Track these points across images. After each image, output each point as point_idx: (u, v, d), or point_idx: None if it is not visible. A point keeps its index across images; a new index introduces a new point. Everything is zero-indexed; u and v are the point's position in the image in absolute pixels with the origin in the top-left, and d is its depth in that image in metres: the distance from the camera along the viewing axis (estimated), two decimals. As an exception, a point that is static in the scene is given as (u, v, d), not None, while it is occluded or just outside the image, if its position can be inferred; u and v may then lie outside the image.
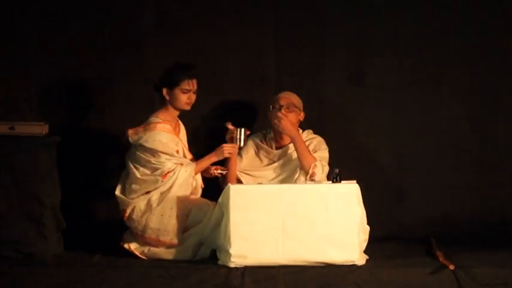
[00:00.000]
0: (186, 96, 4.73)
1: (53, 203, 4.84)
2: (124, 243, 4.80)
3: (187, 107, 4.78)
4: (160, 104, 4.85)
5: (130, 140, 4.74)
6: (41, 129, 4.85)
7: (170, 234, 4.65)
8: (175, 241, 4.65)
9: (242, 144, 4.72)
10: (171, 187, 4.68)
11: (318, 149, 4.91)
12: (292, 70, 5.48)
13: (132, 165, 4.73)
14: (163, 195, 4.66)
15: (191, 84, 4.75)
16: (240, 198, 4.39)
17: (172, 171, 4.66)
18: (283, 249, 4.38)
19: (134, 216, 4.69)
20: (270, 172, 4.94)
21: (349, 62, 5.49)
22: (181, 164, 4.72)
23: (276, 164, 4.97)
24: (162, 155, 4.68)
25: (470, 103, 5.44)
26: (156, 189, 4.67)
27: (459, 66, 5.43)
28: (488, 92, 5.43)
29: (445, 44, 5.43)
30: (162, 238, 4.64)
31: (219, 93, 5.43)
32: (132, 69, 5.42)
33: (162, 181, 4.66)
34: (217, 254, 4.54)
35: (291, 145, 4.92)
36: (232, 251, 4.35)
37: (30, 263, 4.53)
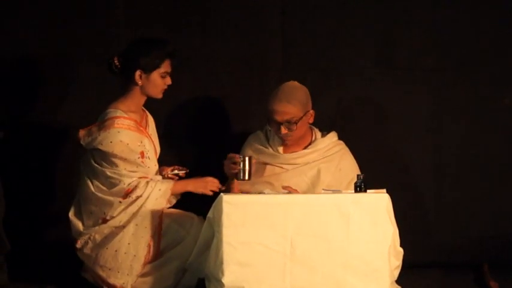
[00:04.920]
0: (164, 80, 4.54)
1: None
2: (85, 273, 4.57)
3: (161, 95, 4.59)
4: (122, 90, 4.60)
5: (83, 143, 4.48)
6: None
7: (124, 276, 4.41)
8: (128, 287, 4.42)
9: (247, 177, 4.48)
10: (136, 212, 4.42)
11: (350, 171, 4.61)
12: (301, 47, 5.21)
13: (86, 178, 4.51)
14: (121, 224, 4.44)
15: (170, 65, 4.59)
16: (236, 212, 4.12)
17: (133, 190, 4.40)
18: (291, 278, 4.11)
19: (86, 250, 4.50)
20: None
21: (375, 38, 5.25)
22: (146, 179, 4.47)
23: (288, 174, 4.71)
24: (120, 162, 4.42)
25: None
26: (114, 216, 4.42)
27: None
28: None
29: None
30: (112, 280, 4.41)
31: (207, 79, 5.22)
32: (96, 44, 5.17)
33: (120, 202, 4.39)
34: (206, 284, 4.25)
35: (306, 151, 4.68)
36: (225, 280, 4.08)
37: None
